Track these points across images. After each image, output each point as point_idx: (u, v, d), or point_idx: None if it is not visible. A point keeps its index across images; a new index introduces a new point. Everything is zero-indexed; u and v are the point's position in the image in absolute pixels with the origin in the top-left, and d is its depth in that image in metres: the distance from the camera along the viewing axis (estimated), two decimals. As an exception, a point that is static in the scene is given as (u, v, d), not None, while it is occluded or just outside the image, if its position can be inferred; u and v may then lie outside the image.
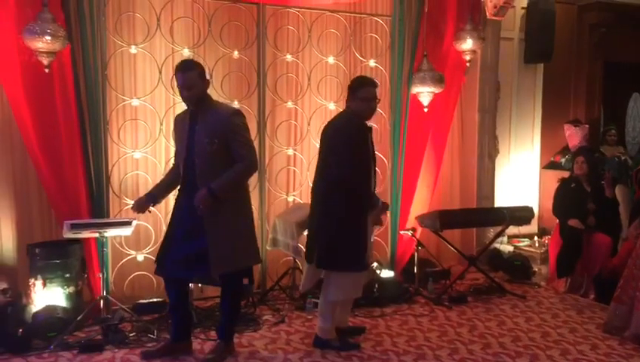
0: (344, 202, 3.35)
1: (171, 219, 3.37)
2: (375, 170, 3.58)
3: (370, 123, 3.57)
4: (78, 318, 3.71)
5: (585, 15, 6.48)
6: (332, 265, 3.45)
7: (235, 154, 3.17)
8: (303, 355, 3.51)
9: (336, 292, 3.49)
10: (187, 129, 3.23)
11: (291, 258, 4.47)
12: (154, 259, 3.41)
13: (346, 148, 3.33)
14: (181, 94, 3.22)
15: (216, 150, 3.14)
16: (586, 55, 6.54)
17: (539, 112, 6.34)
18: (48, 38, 3.63)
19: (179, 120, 3.39)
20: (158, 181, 3.69)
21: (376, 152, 3.62)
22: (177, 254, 3.22)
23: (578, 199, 4.84)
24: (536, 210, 5.95)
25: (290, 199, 4.86)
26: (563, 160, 6.28)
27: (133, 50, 4.24)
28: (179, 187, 3.38)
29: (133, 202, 3.44)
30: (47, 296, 3.79)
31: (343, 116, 3.55)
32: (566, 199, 4.92)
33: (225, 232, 3.17)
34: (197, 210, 3.08)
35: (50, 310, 3.69)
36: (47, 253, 3.84)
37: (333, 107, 4.88)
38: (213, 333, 3.73)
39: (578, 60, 6.58)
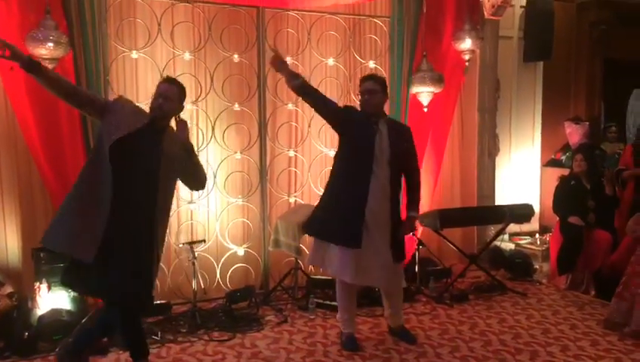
0: (330, 181, 3.65)
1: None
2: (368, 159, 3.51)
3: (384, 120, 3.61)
4: (83, 321, 3.75)
5: (584, 13, 6.51)
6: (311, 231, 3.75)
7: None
8: (306, 355, 3.54)
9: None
10: (150, 140, 2.94)
11: (293, 258, 4.51)
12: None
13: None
14: (155, 102, 2.97)
15: (176, 172, 3.10)
16: (585, 53, 6.57)
17: (539, 110, 6.37)
18: (51, 44, 3.68)
19: (133, 108, 3.05)
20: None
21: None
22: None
23: (578, 196, 4.87)
24: (537, 208, 5.98)
25: (292, 200, 4.90)
26: (564, 157, 6.30)
27: (134, 55, 4.28)
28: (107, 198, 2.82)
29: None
30: (53, 299, 3.83)
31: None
32: (566, 196, 4.95)
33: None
34: None
35: (55, 313, 3.73)
36: (52, 257, 3.87)
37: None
38: (216, 334, 3.78)
39: (578, 58, 6.60)
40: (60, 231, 2.87)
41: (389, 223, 3.52)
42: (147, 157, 2.92)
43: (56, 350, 3.23)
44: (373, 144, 3.48)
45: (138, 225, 2.91)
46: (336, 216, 3.51)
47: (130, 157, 2.86)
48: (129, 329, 3.08)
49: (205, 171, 3.25)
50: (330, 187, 3.66)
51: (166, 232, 3.16)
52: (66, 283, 3.13)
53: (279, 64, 3.55)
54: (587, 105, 6.58)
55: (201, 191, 4.44)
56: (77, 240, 2.82)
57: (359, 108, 3.63)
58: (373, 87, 3.55)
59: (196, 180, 3.22)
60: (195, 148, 3.15)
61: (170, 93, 3.00)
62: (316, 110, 3.66)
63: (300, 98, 3.72)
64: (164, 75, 3.27)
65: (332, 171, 3.67)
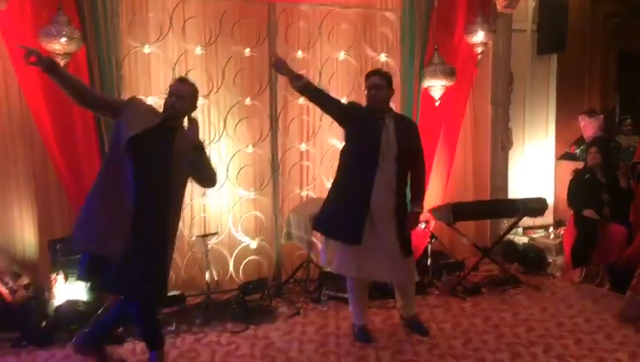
0: (337, 176, 3.66)
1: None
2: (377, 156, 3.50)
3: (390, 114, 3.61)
4: (99, 312, 3.80)
5: (598, 5, 6.45)
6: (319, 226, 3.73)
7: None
8: (318, 346, 3.56)
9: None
10: (163, 139, 3.00)
11: (305, 251, 4.52)
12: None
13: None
14: (168, 101, 3.04)
15: (187, 169, 3.13)
16: (600, 45, 6.51)
17: (553, 103, 6.31)
18: (64, 39, 3.73)
19: (147, 108, 3.14)
20: None
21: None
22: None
23: (592, 190, 4.83)
24: (551, 202, 5.93)
25: (304, 194, 4.92)
26: (578, 151, 6.25)
27: (146, 49, 4.32)
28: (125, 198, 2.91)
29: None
30: (69, 290, 3.90)
31: None
32: (580, 190, 4.90)
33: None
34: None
35: (71, 304, 3.80)
36: (68, 249, 3.94)
37: (345, 101, 4.91)
38: (229, 325, 3.81)
39: (592, 50, 6.54)
40: (88, 233, 2.94)
41: (395, 218, 3.51)
42: (160, 154, 2.97)
43: (73, 340, 3.28)
44: (379, 139, 3.47)
45: (153, 220, 2.95)
46: (341, 212, 3.52)
47: (143, 154, 2.91)
48: (146, 320, 3.12)
49: (215, 169, 3.29)
50: (336, 182, 3.67)
51: (179, 225, 3.20)
52: (85, 280, 3.17)
53: (280, 66, 3.53)
54: (602, 97, 6.52)
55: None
56: (106, 240, 2.88)
57: (365, 104, 3.63)
58: (379, 82, 3.55)
59: (206, 178, 3.26)
60: (207, 143, 3.20)
61: (183, 93, 3.06)
62: (322, 109, 3.68)
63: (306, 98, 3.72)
64: (178, 75, 3.30)
65: (338, 167, 3.66)
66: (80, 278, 3.17)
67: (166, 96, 3.10)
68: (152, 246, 2.95)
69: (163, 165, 2.97)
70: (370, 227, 3.44)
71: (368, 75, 3.64)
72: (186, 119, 3.12)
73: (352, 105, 3.71)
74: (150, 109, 3.15)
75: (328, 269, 3.65)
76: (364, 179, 3.46)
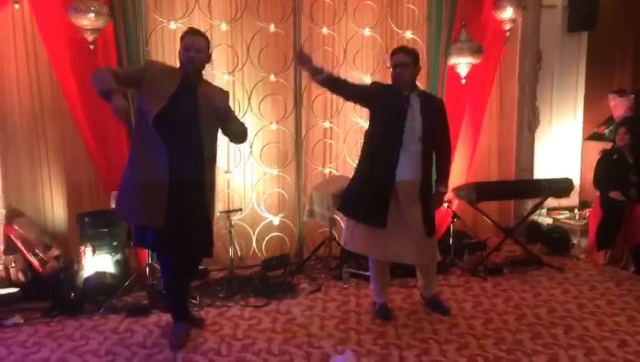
0: (361, 157, 3.64)
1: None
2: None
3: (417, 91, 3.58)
4: (126, 284, 3.92)
5: (633, -19, 6.22)
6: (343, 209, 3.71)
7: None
8: (339, 322, 3.61)
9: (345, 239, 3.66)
10: (186, 100, 3.05)
11: (328, 229, 4.56)
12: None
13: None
14: (186, 56, 3.05)
15: (215, 121, 3.17)
16: (632, 22, 6.29)
17: (582, 82, 6.16)
18: (92, 15, 3.78)
19: (164, 70, 3.16)
20: None
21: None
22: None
23: (620, 171, 4.74)
24: (577, 183, 5.85)
25: (327, 171, 4.94)
26: (607, 131, 6.11)
27: (172, 25, 4.34)
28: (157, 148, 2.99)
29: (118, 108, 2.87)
30: (97, 262, 4.01)
31: None
32: (608, 171, 4.82)
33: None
34: None
35: (99, 276, 3.92)
36: (96, 222, 4.05)
37: (369, 79, 4.89)
38: (252, 300, 3.89)
39: (624, 28, 6.33)
40: (132, 206, 3.06)
41: (420, 198, 3.50)
42: (186, 117, 3.03)
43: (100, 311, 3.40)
44: (404, 119, 3.43)
45: (190, 177, 3.05)
46: (365, 195, 3.51)
47: (171, 120, 2.97)
48: (191, 274, 3.40)
49: (244, 128, 3.32)
50: (360, 163, 3.65)
51: (216, 178, 3.32)
52: (154, 249, 3.32)
53: (305, 60, 3.48)
54: (633, 77, 6.32)
55: (238, 161, 4.57)
56: (148, 210, 3.00)
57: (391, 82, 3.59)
58: (404, 59, 3.49)
59: (234, 136, 3.31)
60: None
61: (198, 45, 3.08)
62: (346, 99, 3.67)
63: (337, 71, 3.69)
64: (189, 28, 3.31)
65: (363, 146, 3.64)
66: (135, 244, 3.34)
67: (180, 51, 3.10)
68: (191, 208, 3.07)
69: (190, 124, 3.04)
70: (395, 207, 3.43)
71: (394, 52, 3.57)
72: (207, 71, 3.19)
73: (375, 87, 3.65)
74: (168, 70, 3.18)
75: (351, 249, 3.66)
76: (388, 160, 3.44)
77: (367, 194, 3.49)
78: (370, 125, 3.61)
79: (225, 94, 3.32)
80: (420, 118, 3.45)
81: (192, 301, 3.81)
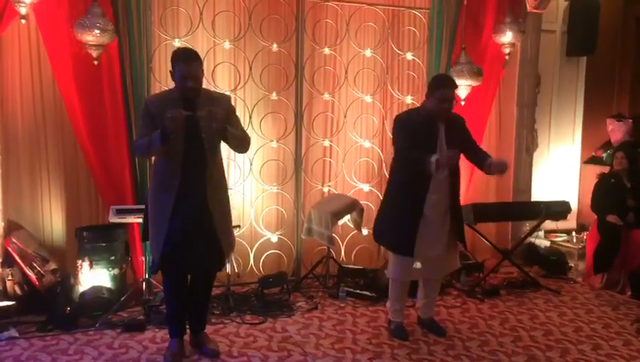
0: (396, 183, 3.60)
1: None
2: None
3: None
4: (122, 299, 3.91)
5: (631, 7, 6.31)
6: (376, 238, 3.76)
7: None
8: (335, 341, 3.60)
9: (388, 269, 3.70)
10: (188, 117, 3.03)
11: (325, 247, 4.56)
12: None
13: (394, 136, 3.57)
14: (184, 85, 3.03)
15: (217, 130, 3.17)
16: (631, 48, 6.37)
17: (580, 106, 6.24)
18: (97, 31, 3.82)
19: (162, 101, 3.12)
20: None
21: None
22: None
23: (617, 195, 4.77)
24: (575, 206, 5.88)
25: (326, 189, 4.96)
26: (604, 155, 6.16)
27: (176, 43, 4.38)
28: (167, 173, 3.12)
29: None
30: (94, 276, 3.99)
31: (408, 110, 3.79)
32: (605, 194, 4.85)
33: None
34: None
35: (96, 290, 3.90)
36: (94, 236, 4.04)
37: (370, 100, 4.94)
38: (248, 317, 3.88)
39: (623, 53, 6.42)
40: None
41: (449, 211, 3.55)
42: (190, 130, 3.04)
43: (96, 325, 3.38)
44: (435, 146, 3.42)
45: (199, 191, 3.10)
46: (394, 223, 3.54)
47: (177, 139, 3.02)
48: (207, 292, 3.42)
49: (245, 137, 3.32)
50: (389, 189, 3.65)
51: (227, 187, 3.37)
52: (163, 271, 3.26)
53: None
54: (631, 101, 6.39)
55: (237, 178, 4.59)
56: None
57: (429, 111, 3.46)
58: (454, 96, 3.51)
59: (236, 147, 3.35)
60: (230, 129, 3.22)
61: (194, 72, 3.06)
62: None
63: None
64: (177, 49, 3.31)
65: (391, 170, 3.66)
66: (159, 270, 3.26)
67: (177, 78, 3.06)
68: (198, 221, 3.11)
69: (193, 138, 3.07)
70: (423, 224, 3.46)
71: (445, 85, 3.41)
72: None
73: (408, 127, 3.48)
74: (166, 97, 3.15)
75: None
76: (417, 187, 3.45)
77: (396, 223, 3.53)
78: (397, 155, 3.56)
79: (225, 98, 3.30)
80: (445, 140, 3.45)
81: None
